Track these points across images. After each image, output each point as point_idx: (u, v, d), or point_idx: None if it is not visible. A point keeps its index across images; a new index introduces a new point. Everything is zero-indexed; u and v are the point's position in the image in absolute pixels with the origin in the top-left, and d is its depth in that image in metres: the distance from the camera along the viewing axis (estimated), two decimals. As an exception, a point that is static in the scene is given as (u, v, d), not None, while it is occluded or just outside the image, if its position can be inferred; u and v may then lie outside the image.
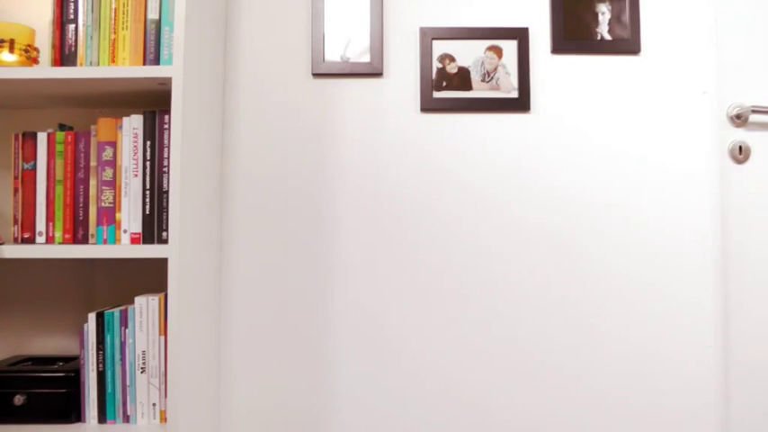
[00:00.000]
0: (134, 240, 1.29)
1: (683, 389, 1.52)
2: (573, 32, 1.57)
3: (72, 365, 1.33)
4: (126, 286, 1.50)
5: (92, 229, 1.32)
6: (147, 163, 1.30)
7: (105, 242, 1.30)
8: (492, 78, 1.55)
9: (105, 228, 1.30)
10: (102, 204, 1.30)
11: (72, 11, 1.32)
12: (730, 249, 1.53)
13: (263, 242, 1.54)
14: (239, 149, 1.56)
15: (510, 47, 1.56)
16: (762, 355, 1.52)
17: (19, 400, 1.26)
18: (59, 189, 1.32)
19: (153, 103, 1.47)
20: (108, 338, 1.28)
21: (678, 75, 1.58)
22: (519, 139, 1.56)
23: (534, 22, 1.58)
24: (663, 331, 1.53)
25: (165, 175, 1.29)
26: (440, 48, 1.56)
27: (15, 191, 1.34)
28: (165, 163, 1.30)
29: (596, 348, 1.53)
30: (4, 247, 1.25)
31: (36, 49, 1.39)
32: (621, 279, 1.54)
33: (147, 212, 1.29)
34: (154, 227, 1.29)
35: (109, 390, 1.27)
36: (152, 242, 1.29)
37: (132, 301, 1.48)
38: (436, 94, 1.55)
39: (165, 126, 1.30)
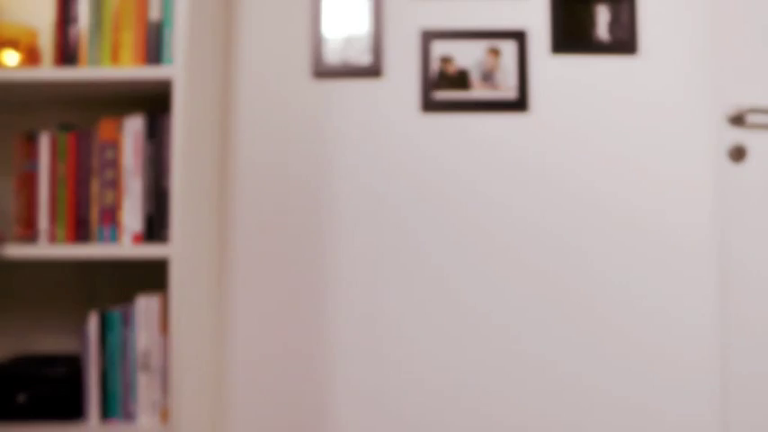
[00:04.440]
0: (136, 240, 1.30)
1: (683, 388, 1.54)
2: (571, 33, 1.57)
3: (74, 364, 1.33)
4: (127, 285, 1.51)
5: (93, 228, 1.33)
6: (149, 163, 1.31)
7: (107, 241, 1.30)
8: (491, 79, 1.56)
9: (107, 227, 1.31)
10: (104, 204, 1.31)
11: (74, 11, 1.32)
12: (728, 248, 1.54)
13: (264, 241, 1.55)
14: (240, 150, 1.57)
15: (509, 48, 1.57)
16: (760, 349, 1.53)
17: (21, 398, 1.27)
18: (61, 189, 1.33)
19: (154, 103, 1.48)
20: (109, 337, 1.28)
21: (676, 75, 1.59)
22: (518, 138, 1.57)
23: (533, 24, 1.59)
24: (661, 329, 1.54)
25: (167, 176, 1.30)
26: (439, 48, 1.56)
27: (18, 191, 1.35)
28: (167, 163, 1.30)
29: (594, 347, 1.54)
30: (7, 246, 1.26)
31: (38, 50, 1.40)
32: (621, 278, 1.55)
33: (149, 212, 1.30)
34: (155, 226, 1.30)
35: (110, 388, 1.28)
36: (154, 242, 1.30)
37: (133, 300, 1.49)
38: (436, 95, 1.56)
39: (167, 126, 1.31)
